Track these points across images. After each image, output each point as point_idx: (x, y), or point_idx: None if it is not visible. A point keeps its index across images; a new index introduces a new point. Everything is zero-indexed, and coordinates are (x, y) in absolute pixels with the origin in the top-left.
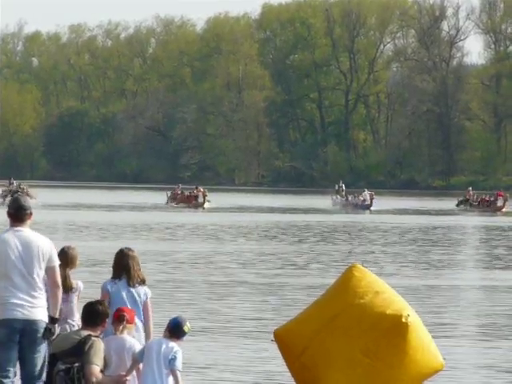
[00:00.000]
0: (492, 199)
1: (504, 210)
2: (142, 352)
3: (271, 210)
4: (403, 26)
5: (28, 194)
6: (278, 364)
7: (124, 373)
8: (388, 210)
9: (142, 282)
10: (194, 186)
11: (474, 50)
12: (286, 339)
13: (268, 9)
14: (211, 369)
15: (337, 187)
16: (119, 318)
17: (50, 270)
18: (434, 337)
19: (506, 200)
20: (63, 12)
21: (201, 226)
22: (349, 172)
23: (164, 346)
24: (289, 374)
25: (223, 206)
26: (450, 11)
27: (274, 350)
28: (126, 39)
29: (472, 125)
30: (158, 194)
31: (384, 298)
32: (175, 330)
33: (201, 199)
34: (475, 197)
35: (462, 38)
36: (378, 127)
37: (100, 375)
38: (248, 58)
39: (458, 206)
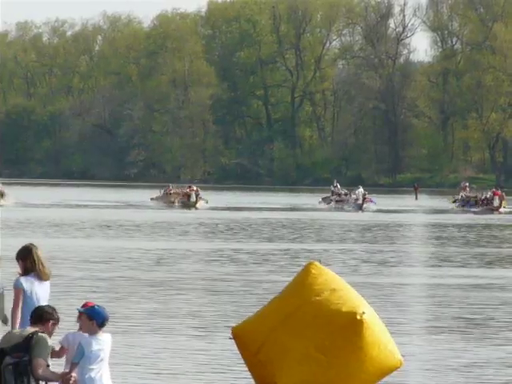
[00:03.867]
0: (488, 198)
1: (501, 209)
2: (81, 351)
3: (266, 208)
4: (349, 24)
5: (2, 194)
6: (236, 361)
7: (67, 370)
8: (382, 210)
9: (48, 278)
10: (187, 185)
11: (421, 47)
12: (243, 336)
13: (214, 6)
14: (171, 365)
15: (332, 187)
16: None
17: None
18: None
19: (502, 199)
20: (10, 9)
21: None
22: (295, 169)
23: (103, 341)
24: (247, 371)
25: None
26: (396, 8)
27: (232, 347)
28: (73, 36)
29: (418, 122)
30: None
31: (340, 296)
32: (103, 322)
33: (193, 198)
34: (472, 196)
35: (408, 35)
36: (324, 124)
37: (46, 369)
38: (194, 55)
39: (454, 202)
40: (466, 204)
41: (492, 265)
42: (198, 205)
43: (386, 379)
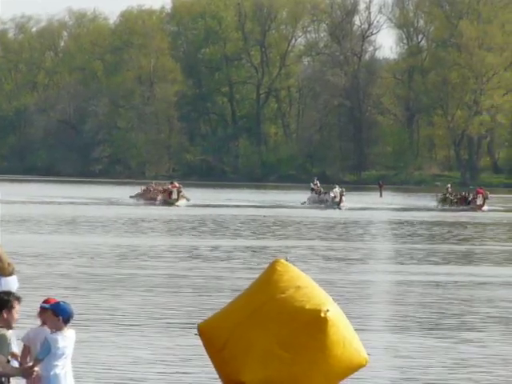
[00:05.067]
0: (471, 197)
1: (484, 208)
2: (47, 347)
3: (244, 206)
4: (315, 20)
5: None
6: (202, 358)
7: (31, 364)
8: (360, 207)
9: (12, 273)
10: (169, 181)
11: (387, 44)
12: (208, 333)
13: (179, 3)
14: (137, 364)
15: (312, 185)
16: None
17: None
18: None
19: (485, 198)
20: None
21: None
22: (260, 166)
23: (68, 337)
24: (213, 368)
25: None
26: (362, 5)
27: (198, 343)
28: (38, 32)
29: (384, 119)
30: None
31: (305, 293)
32: (69, 318)
33: (175, 195)
34: (454, 194)
35: (374, 32)
36: (289, 121)
37: (6, 365)
38: (159, 51)
39: (439, 203)
40: (449, 203)
41: (458, 262)
42: (178, 202)
43: (350, 377)
